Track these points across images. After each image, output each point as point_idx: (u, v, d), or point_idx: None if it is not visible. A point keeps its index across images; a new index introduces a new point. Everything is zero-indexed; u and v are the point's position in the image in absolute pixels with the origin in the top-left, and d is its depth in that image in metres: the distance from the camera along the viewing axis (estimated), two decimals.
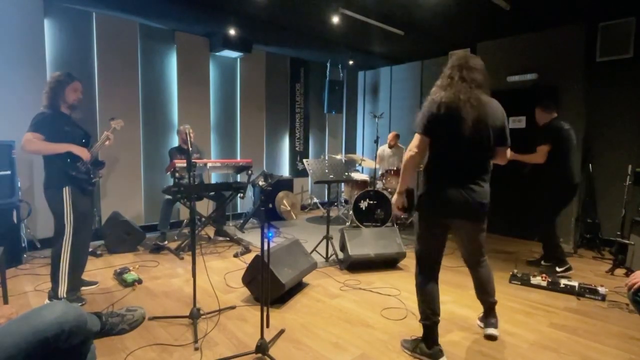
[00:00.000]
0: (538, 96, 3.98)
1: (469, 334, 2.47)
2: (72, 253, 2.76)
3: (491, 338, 2.38)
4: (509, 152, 3.77)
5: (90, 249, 3.39)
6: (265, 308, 2.14)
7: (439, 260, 2.23)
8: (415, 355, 2.19)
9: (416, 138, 2.11)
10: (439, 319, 2.15)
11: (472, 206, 2.06)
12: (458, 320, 2.65)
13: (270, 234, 2.21)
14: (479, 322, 2.57)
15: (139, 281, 3.24)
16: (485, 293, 2.38)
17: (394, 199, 2.27)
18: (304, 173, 6.80)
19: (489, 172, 2.16)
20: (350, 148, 7.82)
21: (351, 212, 5.12)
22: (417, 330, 2.40)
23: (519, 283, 3.32)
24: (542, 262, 3.87)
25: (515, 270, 3.42)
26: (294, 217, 6.12)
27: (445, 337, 2.39)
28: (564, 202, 3.62)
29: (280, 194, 6.01)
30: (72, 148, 2.72)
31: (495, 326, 2.41)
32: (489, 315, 2.43)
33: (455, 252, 3.96)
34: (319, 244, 3.97)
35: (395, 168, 5.43)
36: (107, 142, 2.96)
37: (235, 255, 4.06)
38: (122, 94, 4.77)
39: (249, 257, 3.55)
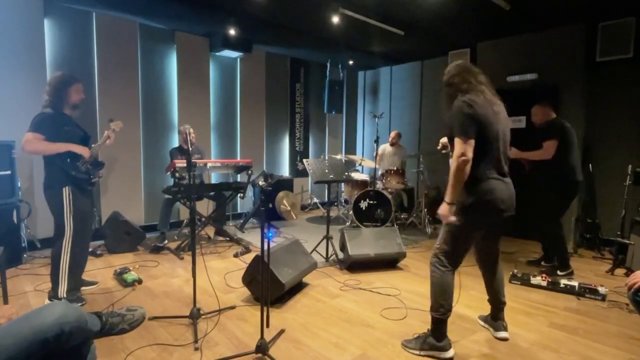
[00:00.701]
0: (538, 96, 3.98)
1: (469, 334, 2.47)
2: (72, 253, 2.76)
3: (504, 340, 2.38)
4: (514, 150, 3.77)
5: (90, 249, 3.39)
6: (265, 308, 2.14)
7: (484, 269, 2.37)
8: (423, 352, 2.19)
9: (468, 144, 2.00)
10: (450, 313, 2.18)
11: (514, 203, 2.16)
12: (458, 320, 2.65)
13: (270, 234, 2.21)
14: (481, 322, 2.58)
15: (139, 281, 3.24)
16: (499, 293, 2.40)
17: (445, 209, 2.08)
18: (304, 173, 6.80)
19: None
20: (350, 148, 7.83)
21: (351, 212, 5.12)
22: (417, 330, 2.42)
23: (519, 283, 3.32)
24: (543, 263, 3.87)
25: (515, 270, 3.42)
26: (294, 217, 6.12)
27: None
28: (568, 201, 3.60)
29: (280, 194, 6.01)
30: (73, 147, 2.72)
31: (506, 329, 2.42)
32: (499, 317, 2.43)
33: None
34: (319, 244, 3.97)
35: (395, 168, 5.43)
36: (107, 142, 2.96)
37: (235, 255, 4.06)
38: (122, 94, 4.77)
39: (249, 257, 3.55)
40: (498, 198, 2.08)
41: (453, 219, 2.08)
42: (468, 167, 2.01)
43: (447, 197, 2.07)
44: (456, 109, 2.08)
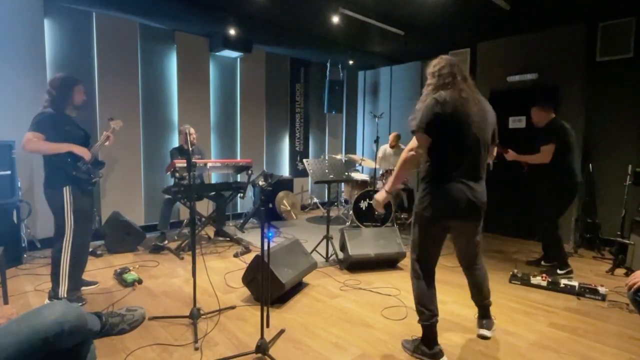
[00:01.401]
0: (538, 96, 3.99)
1: (469, 334, 2.46)
2: (72, 253, 2.76)
3: (483, 338, 2.38)
4: (511, 153, 3.78)
5: (90, 249, 3.38)
6: (265, 308, 2.14)
7: (436, 263, 2.22)
8: (416, 356, 2.19)
9: (418, 138, 2.05)
10: (438, 318, 2.15)
11: (477, 206, 2.06)
12: (458, 320, 2.65)
13: (270, 234, 2.20)
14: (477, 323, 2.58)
15: (139, 281, 3.24)
16: (480, 294, 2.38)
17: (381, 195, 2.20)
18: (304, 173, 6.80)
19: (485, 171, 2.16)
20: (350, 148, 7.82)
21: (351, 212, 5.12)
22: (417, 330, 2.40)
23: (519, 283, 3.32)
24: (542, 262, 3.87)
25: (515, 270, 3.42)
26: (294, 217, 6.12)
27: (446, 337, 2.39)
28: (567, 202, 3.61)
29: (280, 194, 6.01)
30: (73, 148, 2.72)
31: (488, 327, 2.40)
32: (483, 316, 2.43)
33: (454, 252, 3.97)
34: (319, 244, 3.97)
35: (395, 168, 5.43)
36: (107, 142, 2.96)
37: (235, 255, 4.06)
38: (122, 94, 4.77)
39: (249, 257, 3.55)
40: (450, 203, 2.02)
41: (382, 210, 2.21)
42: (414, 161, 2.07)
43: (387, 186, 2.17)
44: (425, 105, 2.05)
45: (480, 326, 2.41)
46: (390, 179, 2.18)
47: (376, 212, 2.30)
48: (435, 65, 2.15)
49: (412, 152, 2.07)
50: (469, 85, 2.09)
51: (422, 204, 2.10)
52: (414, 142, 2.08)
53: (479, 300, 2.40)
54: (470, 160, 2.04)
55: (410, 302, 2.90)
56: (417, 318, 2.18)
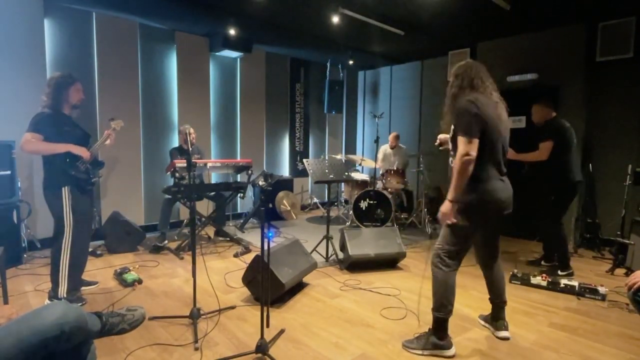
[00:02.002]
0: (538, 96, 3.98)
1: (469, 334, 2.47)
2: (72, 253, 2.76)
3: (505, 339, 2.37)
4: (510, 151, 3.77)
5: (90, 249, 3.39)
6: (265, 308, 2.14)
7: (484, 264, 2.38)
8: (426, 351, 2.19)
9: (472, 143, 2.00)
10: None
11: (511, 202, 2.19)
12: (458, 320, 2.65)
13: (270, 234, 2.20)
14: (481, 321, 2.58)
15: (139, 281, 3.24)
16: (500, 292, 2.40)
17: (447, 207, 2.06)
18: (304, 173, 6.80)
19: None
20: (350, 148, 7.83)
21: (351, 212, 5.12)
22: (416, 330, 2.42)
23: (519, 283, 3.32)
24: (543, 262, 3.87)
25: (516, 270, 3.42)
26: (294, 217, 6.12)
27: None
28: (567, 201, 3.60)
29: (280, 194, 6.01)
30: (71, 148, 2.71)
31: (507, 328, 2.42)
32: (500, 316, 2.43)
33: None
34: (319, 244, 3.97)
35: (395, 168, 5.43)
36: (107, 142, 2.96)
37: (235, 255, 4.06)
38: (122, 94, 4.77)
39: (249, 257, 3.55)
40: (498, 198, 2.11)
41: (453, 219, 2.08)
42: (471, 167, 2.02)
43: (450, 196, 2.07)
44: (462, 108, 2.07)
45: (500, 328, 2.41)
46: (453, 188, 2.06)
47: (447, 223, 2.16)
48: (459, 67, 2.24)
49: (468, 157, 2.00)
50: (493, 87, 2.20)
51: (470, 202, 2.09)
52: (464, 148, 2.01)
53: (499, 299, 2.41)
54: (502, 158, 2.17)
55: (411, 302, 2.92)
56: (434, 308, 2.19)
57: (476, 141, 2.01)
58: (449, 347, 2.18)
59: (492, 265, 2.41)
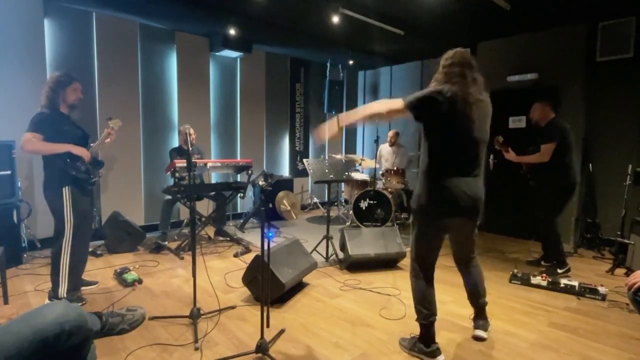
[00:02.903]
0: (538, 96, 3.98)
1: (468, 334, 2.46)
2: (72, 253, 2.76)
3: (479, 340, 2.36)
4: (512, 154, 3.78)
5: (90, 249, 3.39)
6: (265, 308, 2.14)
7: (435, 261, 2.22)
8: (413, 353, 2.20)
9: (403, 109, 1.99)
10: (436, 317, 2.16)
11: (477, 203, 2.08)
12: (458, 320, 2.65)
13: (270, 234, 2.20)
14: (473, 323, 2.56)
15: (139, 281, 3.24)
16: (477, 293, 2.36)
17: (335, 124, 2.09)
18: (304, 173, 6.80)
19: (483, 168, 2.18)
20: (350, 148, 7.82)
21: (351, 212, 5.12)
22: (416, 330, 2.41)
23: (519, 283, 3.32)
24: (542, 262, 3.88)
25: (515, 270, 3.42)
26: (294, 217, 6.12)
27: (445, 337, 2.39)
28: (565, 202, 3.61)
29: (280, 193, 6.01)
30: (71, 148, 2.71)
31: (484, 328, 2.39)
32: (479, 316, 2.42)
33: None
34: (319, 243, 3.97)
35: (395, 168, 5.43)
36: (107, 140, 2.96)
37: (235, 255, 4.06)
38: (122, 94, 4.77)
39: (249, 257, 3.55)
40: (452, 198, 2.01)
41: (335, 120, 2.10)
42: (381, 113, 2.05)
43: (348, 116, 2.11)
44: (432, 88, 2.04)
45: (477, 327, 2.40)
46: (354, 111, 2.12)
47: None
48: (448, 58, 2.15)
49: (389, 109, 2.03)
50: (478, 87, 2.07)
51: (419, 201, 2.10)
52: (398, 103, 2.01)
53: (475, 300, 2.38)
54: (469, 158, 2.06)
55: (411, 302, 2.90)
56: (416, 317, 2.19)
57: (406, 112, 1.99)
58: (435, 355, 2.11)
59: (468, 265, 2.35)
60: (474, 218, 2.15)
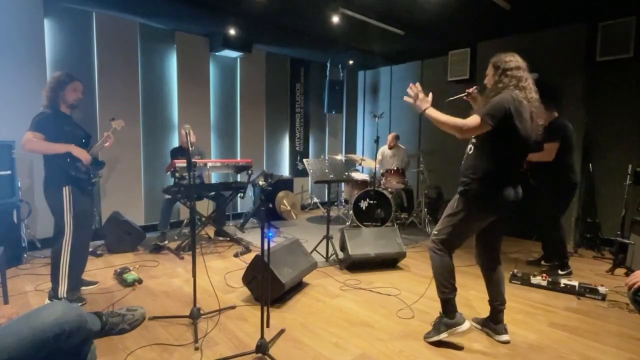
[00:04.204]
0: (542, 95, 3.94)
1: (468, 334, 2.46)
2: (72, 253, 2.76)
3: (506, 343, 2.34)
4: None
5: (90, 249, 3.39)
6: (265, 308, 2.14)
7: (485, 264, 2.42)
8: (442, 336, 2.27)
9: (480, 126, 2.05)
10: (456, 292, 2.28)
11: (518, 205, 2.21)
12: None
13: (270, 234, 2.21)
14: (476, 325, 2.54)
15: (139, 281, 3.24)
16: (500, 294, 2.39)
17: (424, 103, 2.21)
18: (304, 173, 6.80)
19: None
20: (350, 148, 7.83)
21: (351, 211, 5.13)
22: (416, 330, 2.44)
23: (519, 283, 3.32)
24: (542, 262, 3.87)
25: (516, 270, 3.42)
26: (294, 217, 6.12)
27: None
28: (567, 201, 3.61)
29: (280, 193, 6.01)
30: (72, 149, 2.71)
31: (507, 332, 2.39)
32: (499, 319, 2.39)
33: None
34: (319, 243, 3.97)
35: (395, 168, 5.43)
36: (107, 144, 2.96)
37: (235, 255, 4.06)
38: (122, 94, 4.77)
39: (249, 257, 3.55)
40: (499, 200, 2.15)
41: (426, 104, 2.20)
42: (458, 134, 2.10)
43: (432, 110, 2.19)
44: (504, 98, 2.08)
45: (500, 332, 2.37)
46: (438, 114, 2.18)
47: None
48: (509, 61, 2.24)
49: (467, 127, 2.07)
50: (536, 92, 2.20)
51: (475, 196, 2.17)
52: (474, 120, 2.07)
53: (499, 300, 2.38)
54: (520, 161, 2.24)
55: (411, 301, 2.92)
56: (437, 291, 2.29)
57: (482, 126, 2.04)
58: (460, 322, 2.24)
59: (491, 266, 2.42)
60: (510, 218, 2.29)
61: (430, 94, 2.25)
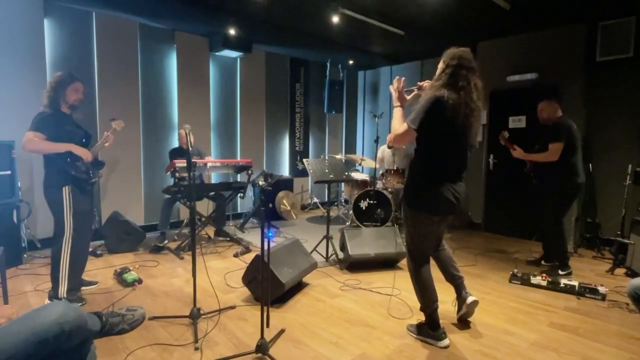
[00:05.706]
0: (545, 93, 3.91)
1: (468, 334, 2.47)
2: (72, 253, 2.76)
3: (475, 304, 2.45)
4: (519, 151, 3.81)
5: (90, 249, 3.39)
6: (265, 308, 2.14)
7: (429, 250, 2.42)
8: (420, 337, 2.33)
9: (408, 131, 2.12)
10: (438, 303, 2.30)
11: (459, 203, 2.24)
12: (455, 320, 2.64)
13: (270, 234, 2.21)
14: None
15: (139, 281, 3.24)
16: (453, 269, 2.49)
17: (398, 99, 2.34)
18: (304, 173, 6.80)
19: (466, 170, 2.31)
20: (350, 148, 7.82)
21: (351, 211, 5.12)
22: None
23: (519, 283, 3.32)
24: (543, 262, 3.87)
25: (515, 270, 3.42)
26: (294, 217, 6.12)
27: None
28: (570, 202, 3.59)
29: (280, 193, 6.01)
30: (73, 148, 2.72)
31: (471, 294, 2.48)
32: (463, 289, 2.50)
33: (455, 251, 3.94)
34: (319, 243, 3.97)
35: (395, 168, 5.43)
36: (106, 144, 2.96)
37: (235, 255, 4.06)
38: (122, 94, 4.77)
39: (249, 257, 3.55)
40: (439, 200, 2.17)
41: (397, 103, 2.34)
42: (394, 143, 2.25)
43: (396, 112, 2.32)
44: (426, 100, 2.10)
45: (467, 296, 2.47)
46: (395, 117, 2.28)
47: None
48: (451, 57, 2.20)
49: (395, 135, 2.21)
50: (477, 94, 2.11)
51: (417, 200, 2.24)
52: (403, 128, 2.16)
53: (454, 275, 2.49)
54: (457, 162, 2.21)
55: (411, 302, 2.91)
56: (420, 306, 2.33)
57: (409, 131, 2.13)
58: (441, 337, 2.26)
59: (438, 251, 2.52)
60: (453, 215, 2.33)
61: (413, 95, 2.39)
